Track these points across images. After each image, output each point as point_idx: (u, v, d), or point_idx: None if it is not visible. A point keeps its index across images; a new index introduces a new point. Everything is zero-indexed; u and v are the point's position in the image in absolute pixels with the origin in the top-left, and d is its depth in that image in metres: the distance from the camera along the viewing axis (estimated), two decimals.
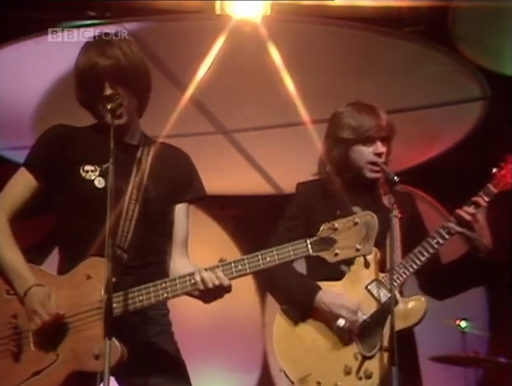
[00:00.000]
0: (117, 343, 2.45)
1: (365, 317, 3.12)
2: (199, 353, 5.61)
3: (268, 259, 2.52)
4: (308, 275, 3.32)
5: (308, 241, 2.51)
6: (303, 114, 4.90)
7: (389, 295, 3.11)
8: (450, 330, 5.32)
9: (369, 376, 3.08)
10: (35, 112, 5.14)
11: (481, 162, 5.59)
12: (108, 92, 2.61)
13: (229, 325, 6.26)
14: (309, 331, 3.20)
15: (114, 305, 2.46)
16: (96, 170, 2.63)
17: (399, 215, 3.18)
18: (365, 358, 3.10)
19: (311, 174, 3.40)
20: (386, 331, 3.09)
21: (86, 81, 2.65)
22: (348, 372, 3.10)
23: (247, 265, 2.53)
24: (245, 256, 2.54)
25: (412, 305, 3.15)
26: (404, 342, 3.02)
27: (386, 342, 3.08)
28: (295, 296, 3.23)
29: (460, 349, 5.21)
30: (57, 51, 4.35)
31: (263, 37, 4.38)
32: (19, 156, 5.40)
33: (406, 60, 4.79)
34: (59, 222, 2.72)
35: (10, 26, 4.45)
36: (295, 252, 2.52)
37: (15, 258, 2.61)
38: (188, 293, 2.58)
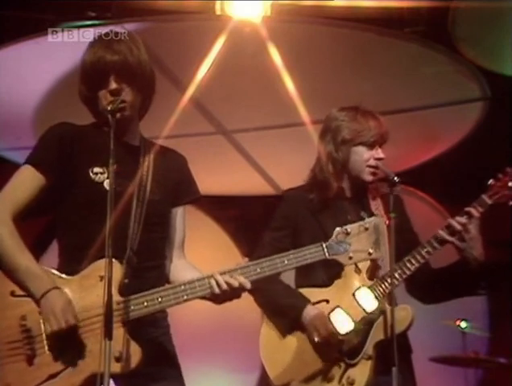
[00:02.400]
0: (136, 346, 2.47)
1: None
2: (199, 354, 5.61)
3: (286, 262, 2.58)
4: (296, 281, 3.36)
5: (324, 245, 2.59)
6: (303, 114, 4.89)
7: (375, 303, 3.13)
8: (450, 331, 5.32)
9: (351, 383, 3.09)
10: (35, 113, 5.14)
11: (480, 162, 5.61)
12: (113, 86, 2.61)
13: (229, 325, 6.26)
14: (295, 338, 3.22)
15: (132, 307, 2.48)
16: (104, 172, 2.61)
17: (387, 222, 3.17)
18: (348, 365, 3.12)
19: (303, 178, 3.40)
20: (371, 339, 3.12)
21: (92, 75, 2.63)
22: (330, 379, 3.12)
23: (266, 268, 2.57)
24: (263, 259, 2.58)
25: (400, 314, 3.12)
26: (398, 349, 3.02)
27: (369, 351, 3.11)
28: (283, 311, 3.27)
29: (460, 349, 5.21)
30: (57, 52, 4.35)
31: (263, 37, 4.38)
32: (19, 156, 5.41)
33: (407, 61, 4.79)
34: (65, 222, 2.68)
35: (10, 26, 4.45)
36: (311, 256, 2.59)
37: (29, 260, 2.56)
38: (203, 296, 2.58)
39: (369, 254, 2.59)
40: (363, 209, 3.28)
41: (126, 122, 2.69)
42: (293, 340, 3.22)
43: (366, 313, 3.12)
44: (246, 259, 2.61)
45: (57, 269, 2.63)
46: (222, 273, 2.55)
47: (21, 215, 2.61)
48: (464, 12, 4.42)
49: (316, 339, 3.13)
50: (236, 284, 2.52)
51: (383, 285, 3.15)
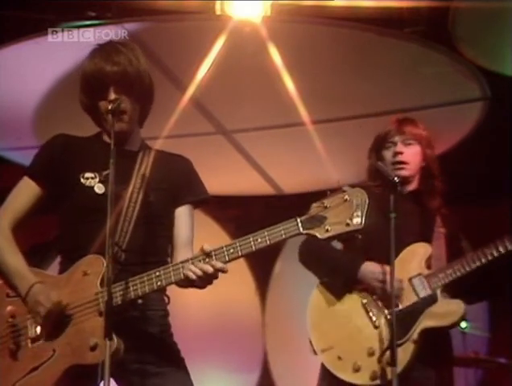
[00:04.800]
0: (114, 335, 2.45)
1: (401, 307, 3.21)
2: (199, 353, 5.60)
3: (259, 240, 2.52)
4: None
5: (299, 220, 2.51)
6: (303, 114, 4.89)
7: (429, 292, 3.22)
8: (450, 331, 5.31)
9: (390, 364, 3.11)
10: (35, 113, 5.14)
11: (480, 163, 5.61)
12: (112, 97, 2.66)
13: (229, 325, 6.26)
14: (344, 308, 3.30)
15: (110, 295, 2.48)
16: (96, 177, 2.69)
17: (444, 231, 3.33)
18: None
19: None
20: (418, 325, 3.18)
21: (91, 86, 2.69)
22: (371, 354, 3.19)
23: (239, 248, 2.54)
24: (236, 240, 2.56)
25: (451, 307, 3.24)
26: (439, 341, 3.16)
27: (415, 335, 3.17)
28: (340, 266, 3.32)
29: (460, 349, 5.21)
30: (57, 52, 4.35)
31: (263, 37, 4.38)
32: (19, 156, 5.41)
33: (407, 61, 4.78)
34: (61, 228, 2.77)
35: (10, 26, 4.45)
36: (285, 231, 2.51)
37: (17, 262, 2.67)
38: (184, 284, 2.59)
39: (347, 225, 2.47)
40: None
41: (125, 134, 2.75)
42: (342, 309, 3.29)
43: (419, 298, 3.21)
44: (206, 245, 2.57)
45: (58, 271, 2.74)
46: (196, 257, 2.56)
47: (20, 223, 2.74)
48: (464, 12, 4.42)
49: (377, 284, 3.20)
50: (210, 270, 2.51)
51: (439, 276, 3.23)
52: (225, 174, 6.18)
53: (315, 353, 3.28)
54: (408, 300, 3.22)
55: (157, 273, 2.55)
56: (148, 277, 2.55)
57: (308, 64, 4.68)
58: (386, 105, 4.80)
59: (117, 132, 2.61)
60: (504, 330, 5.75)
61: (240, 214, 6.87)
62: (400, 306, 3.20)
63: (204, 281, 2.55)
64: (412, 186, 3.45)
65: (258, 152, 5.89)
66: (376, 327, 3.20)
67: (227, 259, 2.55)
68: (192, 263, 2.54)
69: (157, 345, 2.70)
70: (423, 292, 3.23)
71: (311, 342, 3.29)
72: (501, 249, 3.22)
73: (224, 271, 2.55)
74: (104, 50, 2.74)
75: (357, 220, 2.47)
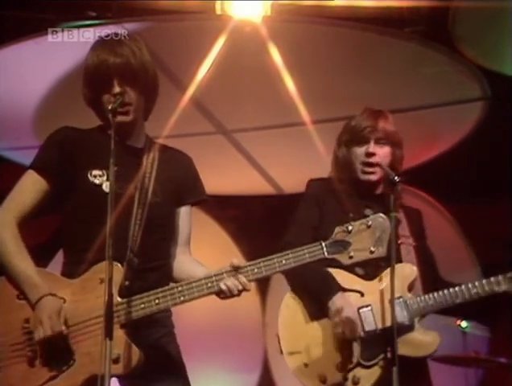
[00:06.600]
0: (135, 348, 2.48)
1: (375, 328, 3.09)
2: (199, 353, 5.61)
3: (284, 262, 2.57)
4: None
5: (323, 244, 2.56)
6: (303, 114, 4.90)
7: (407, 319, 3.09)
8: (450, 330, 5.31)
9: (355, 383, 3.06)
10: (35, 113, 5.14)
11: (481, 162, 5.62)
12: (116, 89, 2.63)
13: (230, 325, 6.26)
14: (319, 315, 3.16)
15: (130, 309, 2.50)
16: (103, 174, 2.63)
17: (413, 243, 3.21)
18: (359, 364, 3.08)
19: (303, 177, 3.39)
20: (389, 351, 3.02)
21: (95, 79, 2.65)
22: (339, 369, 3.07)
23: (263, 269, 2.57)
24: (261, 259, 2.58)
25: (426, 339, 3.13)
26: (414, 368, 3.03)
27: (383, 362, 3.05)
28: (314, 291, 3.18)
29: (460, 349, 5.20)
30: (57, 52, 4.35)
31: (263, 37, 4.38)
32: (19, 156, 5.41)
33: (407, 60, 4.79)
34: (67, 225, 2.71)
35: (10, 26, 4.45)
36: (310, 255, 2.56)
37: (26, 266, 2.60)
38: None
39: (371, 252, 2.54)
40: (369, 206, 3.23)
41: (130, 126, 2.71)
42: (316, 318, 3.17)
43: (396, 323, 3.02)
44: (236, 261, 2.58)
45: (61, 271, 2.68)
46: (220, 274, 2.56)
47: (26, 219, 2.65)
48: (464, 12, 4.42)
49: (336, 331, 3.08)
50: (240, 287, 2.54)
51: (420, 305, 3.13)
52: (226, 174, 6.18)
53: (281, 352, 3.16)
54: (385, 322, 3.07)
55: (179, 288, 2.54)
56: (171, 291, 2.53)
57: (308, 64, 4.69)
58: (386, 105, 4.78)
59: (120, 124, 2.58)
60: (504, 329, 5.75)
61: (240, 214, 6.87)
62: (375, 327, 3.08)
63: (229, 296, 2.56)
64: (379, 190, 3.32)
65: (258, 152, 5.89)
66: (349, 343, 3.08)
67: (250, 278, 2.57)
68: (224, 277, 2.54)
69: (163, 349, 2.68)
70: (401, 317, 3.08)
71: (279, 339, 3.17)
72: (488, 290, 3.12)
73: (247, 289, 2.56)
74: (106, 42, 2.70)
75: (381, 250, 2.55)
